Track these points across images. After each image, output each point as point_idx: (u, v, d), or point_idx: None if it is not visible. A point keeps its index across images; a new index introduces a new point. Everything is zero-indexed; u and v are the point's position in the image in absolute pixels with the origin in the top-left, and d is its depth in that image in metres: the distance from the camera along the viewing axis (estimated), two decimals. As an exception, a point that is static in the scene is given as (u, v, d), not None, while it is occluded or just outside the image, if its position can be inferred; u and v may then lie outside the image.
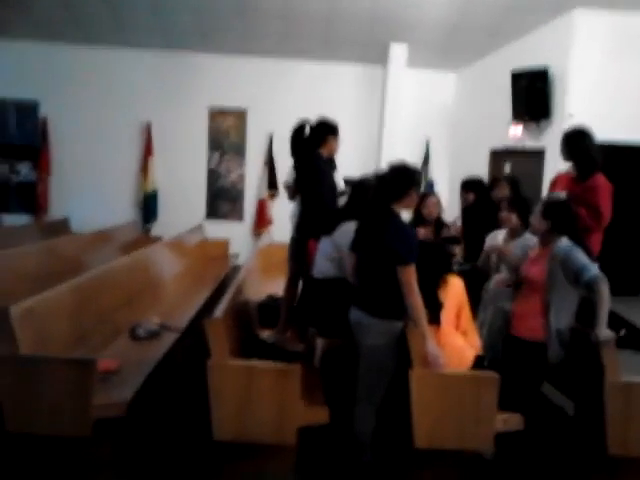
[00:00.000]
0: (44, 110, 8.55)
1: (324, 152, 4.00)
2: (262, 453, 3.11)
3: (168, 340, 4.19)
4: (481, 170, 7.82)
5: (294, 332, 4.12)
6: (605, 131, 7.09)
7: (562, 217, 3.35)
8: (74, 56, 8.54)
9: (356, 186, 3.70)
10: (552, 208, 3.38)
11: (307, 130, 4.03)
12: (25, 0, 7.48)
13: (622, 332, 5.92)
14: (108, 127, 8.66)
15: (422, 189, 7.68)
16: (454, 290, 3.41)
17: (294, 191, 4.23)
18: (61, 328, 3.47)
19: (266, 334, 4.31)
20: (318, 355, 3.62)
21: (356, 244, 3.32)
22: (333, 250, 3.59)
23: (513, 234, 3.87)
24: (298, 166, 4.05)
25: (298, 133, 4.03)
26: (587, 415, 3.23)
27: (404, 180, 3.18)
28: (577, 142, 4.12)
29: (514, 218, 3.85)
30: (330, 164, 4.05)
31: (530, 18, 7.46)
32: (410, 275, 3.04)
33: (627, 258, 7.69)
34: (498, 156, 8.26)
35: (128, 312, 4.55)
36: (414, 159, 8.85)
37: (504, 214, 3.86)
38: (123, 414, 2.95)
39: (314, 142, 3.99)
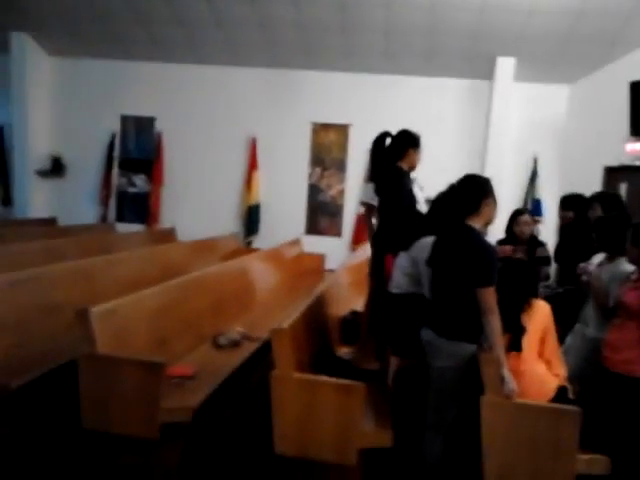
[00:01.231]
0: (159, 126, 9.10)
1: (404, 165, 3.88)
2: (322, 471, 3.05)
3: (248, 350, 4.24)
4: (593, 188, 7.31)
5: (371, 350, 4.03)
6: None
7: None
8: (187, 75, 9.04)
9: (435, 201, 3.58)
10: None
11: (388, 141, 3.93)
12: (144, 23, 8.03)
13: None
14: (216, 141, 9.06)
15: (527, 208, 7.37)
16: (539, 315, 3.18)
17: (369, 210, 4.15)
18: (142, 331, 3.60)
19: (345, 350, 4.26)
20: (391, 375, 3.50)
21: (432, 260, 3.20)
22: (409, 265, 3.49)
23: (611, 258, 3.55)
24: (377, 179, 3.97)
25: (378, 144, 3.95)
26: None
27: (475, 191, 3.03)
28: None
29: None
30: (409, 177, 3.93)
31: (652, 25, 6.92)
32: (490, 297, 2.88)
33: None
34: (613, 174, 7.69)
35: (215, 320, 4.65)
36: (521, 177, 8.49)
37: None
38: (189, 420, 3.01)
39: (394, 154, 3.88)
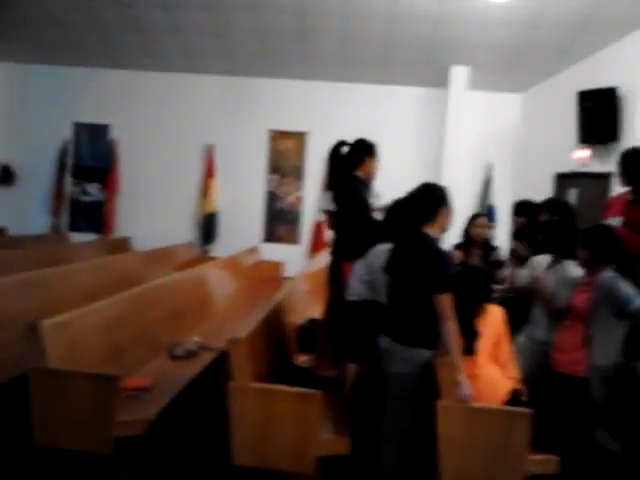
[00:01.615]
0: (114, 133, 8.95)
1: (361, 173, 3.91)
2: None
3: (205, 360, 4.20)
4: (545, 194, 7.50)
5: (329, 357, 4.03)
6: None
7: (603, 245, 3.14)
8: (143, 81, 8.95)
9: (391, 208, 3.62)
10: (591, 237, 3.18)
11: (344, 150, 3.96)
12: (98, 29, 7.90)
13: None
14: (173, 149, 8.96)
15: (478, 212, 7.50)
16: (493, 319, 3.24)
17: (332, 217, 4.17)
18: (96, 344, 3.53)
19: (303, 359, 4.25)
20: (349, 382, 3.52)
21: (389, 267, 3.23)
22: (366, 272, 3.51)
23: (556, 261, 3.65)
24: (334, 187, 3.99)
25: (335, 153, 3.97)
26: (634, 459, 2.96)
27: (430, 199, 3.08)
28: (633, 164, 3.86)
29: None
30: (366, 186, 3.96)
31: (601, 37, 7.16)
32: (446, 303, 2.93)
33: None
34: (563, 180, 7.91)
35: (171, 330, 4.59)
36: (475, 183, 8.65)
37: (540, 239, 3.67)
38: (143, 433, 2.95)
39: (350, 163, 3.91)
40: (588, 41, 7.24)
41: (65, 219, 9.05)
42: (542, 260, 3.78)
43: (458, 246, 4.64)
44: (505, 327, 3.26)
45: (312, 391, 2.95)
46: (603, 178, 7.24)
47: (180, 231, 8.77)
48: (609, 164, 7.15)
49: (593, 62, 7.54)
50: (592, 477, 3.08)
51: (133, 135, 8.94)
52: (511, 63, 7.95)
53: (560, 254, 3.57)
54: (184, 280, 5.37)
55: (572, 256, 3.50)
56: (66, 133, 9.01)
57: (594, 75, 7.36)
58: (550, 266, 3.64)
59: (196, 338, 4.55)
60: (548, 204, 4.26)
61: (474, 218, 4.71)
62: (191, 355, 4.25)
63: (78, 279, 5.35)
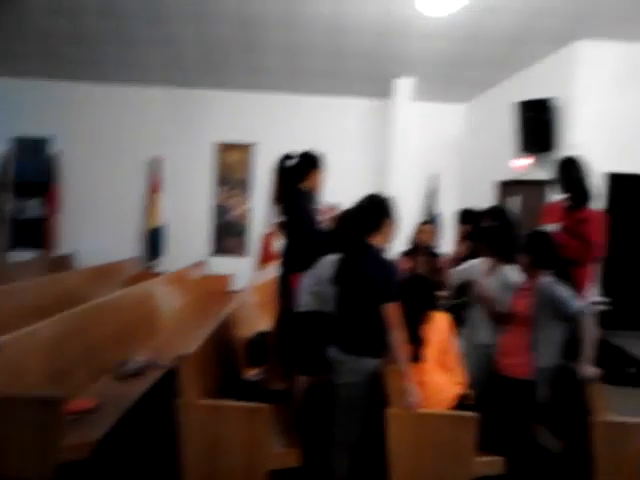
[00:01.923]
0: (57, 147, 8.69)
1: (306, 186, 3.94)
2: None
3: (153, 378, 4.11)
4: (489, 202, 7.70)
5: (279, 370, 4.01)
6: (609, 162, 7.01)
7: (543, 251, 3.25)
8: (86, 93, 8.74)
9: (337, 219, 3.64)
10: (532, 242, 3.29)
11: (290, 163, 3.97)
12: (37, 40, 7.69)
13: (631, 370, 5.72)
14: (118, 163, 8.78)
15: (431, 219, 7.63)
16: (438, 326, 3.30)
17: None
18: (38, 365, 3.41)
19: (252, 373, 4.22)
20: (299, 394, 3.50)
21: (336, 278, 3.24)
22: (314, 283, 3.51)
23: (492, 267, 3.73)
24: (280, 200, 4.00)
25: (281, 166, 3.98)
26: (575, 456, 3.05)
27: (376, 210, 3.12)
28: (569, 170, 4.02)
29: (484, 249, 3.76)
30: (312, 198, 3.98)
31: (535, 49, 7.43)
32: (394, 312, 2.96)
33: (636, 292, 7.46)
34: (505, 188, 8.15)
35: (117, 348, 4.49)
36: (421, 192, 8.80)
37: (477, 245, 3.77)
38: (87, 456, 2.86)
39: (296, 176, 3.92)
40: (524, 54, 7.51)
41: (4, 237, 8.71)
42: (477, 263, 3.85)
43: (405, 253, 4.71)
44: (451, 333, 3.32)
45: (261, 405, 2.93)
46: (542, 185, 7.49)
47: (125, 246, 8.58)
48: (547, 171, 7.41)
49: (530, 74, 7.82)
50: (536, 476, 3.15)
51: (76, 149, 8.71)
52: (453, 75, 8.16)
53: (499, 259, 3.66)
54: (130, 297, 5.26)
55: (511, 261, 3.60)
56: (4, 148, 8.71)
57: (532, 86, 7.63)
58: (489, 271, 3.72)
59: (143, 356, 4.45)
60: (490, 211, 4.37)
61: (420, 225, 4.81)
62: (138, 373, 4.16)
63: (19, 299, 5.18)
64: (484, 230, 3.80)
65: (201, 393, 3.01)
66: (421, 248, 4.65)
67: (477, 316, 3.64)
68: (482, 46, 7.39)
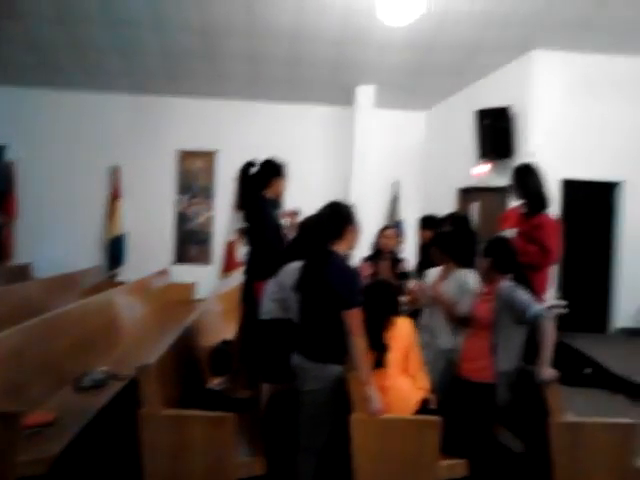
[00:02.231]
0: (12, 155, 8.48)
1: (269, 193, 3.96)
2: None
3: (113, 390, 4.04)
4: (449, 208, 7.83)
5: (244, 378, 4.00)
6: (565, 168, 7.22)
7: (503, 255, 3.32)
8: (43, 100, 8.57)
9: (300, 226, 3.66)
10: (492, 247, 3.36)
11: (253, 171, 3.98)
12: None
13: (587, 371, 5.86)
14: (77, 170, 8.64)
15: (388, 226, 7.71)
16: (402, 332, 3.33)
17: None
18: (-7, 379, 3.32)
19: (216, 382, 4.19)
20: (263, 402, 3.49)
21: (299, 285, 3.25)
22: (277, 290, 3.52)
23: (447, 272, 3.80)
24: (243, 208, 4.00)
25: (243, 173, 3.99)
26: (535, 456, 3.12)
27: (338, 218, 3.14)
28: (525, 177, 4.12)
29: (437, 254, 3.83)
30: (274, 205, 4.00)
31: (492, 59, 7.61)
32: (356, 318, 2.98)
33: (592, 294, 7.68)
34: (465, 194, 8.30)
35: (77, 360, 4.37)
36: (384, 199, 8.89)
37: (432, 250, 3.84)
38: (45, 472, 2.80)
39: (259, 183, 3.94)
40: (482, 63, 7.67)
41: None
42: (435, 272, 3.92)
43: (367, 259, 4.75)
44: (414, 339, 3.36)
45: (225, 414, 2.91)
46: (501, 192, 7.65)
47: (86, 255, 8.44)
48: (506, 178, 7.57)
49: (488, 82, 8.00)
50: (498, 477, 3.21)
51: (33, 156, 8.52)
52: (413, 83, 8.28)
53: (455, 263, 3.72)
54: (90, 307, 5.15)
55: (467, 266, 3.66)
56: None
57: (490, 95, 7.81)
58: (444, 276, 3.77)
59: (104, 367, 4.37)
60: (450, 218, 4.45)
61: (382, 230, 4.88)
62: (99, 385, 4.08)
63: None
64: (441, 236, 3.86)
65: (163, 403, 2.97)
66: (384, 253, 4.70)
67: (436, 321, 3.69)
68: (440, 55, 7.53)
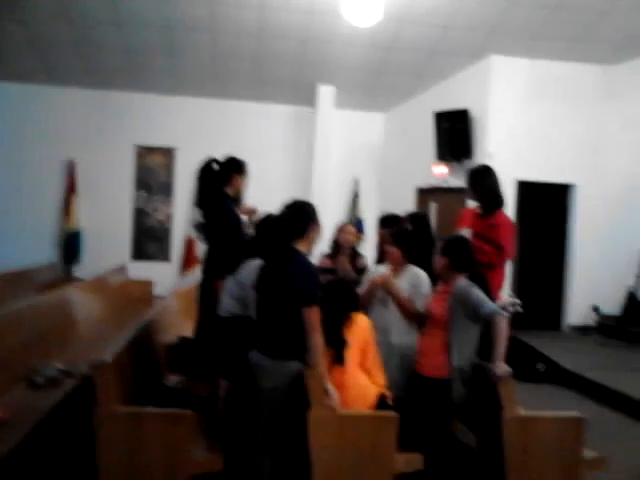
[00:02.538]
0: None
1: (230, 191, 3.95)
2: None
3: (67, 387, 3.97)
4: (408, 208, 7.91)
5: (202, 375, 3.97)
6: (520, 170, 7.41)
7: (460, 254, 3.39)
8: (-5, 92, 8.32)
9: (260, 224, 3.65)
10: (450, 245, 3.43)
11: (213, 167, 3.96)
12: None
13: (540, 367, 6.04)
14: (29, 165, 8.42)
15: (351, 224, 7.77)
16: (359, 328, 3.36)
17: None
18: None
19: (174, 378, 4.15)
20: (221, 398, 3.48)
21: (259, 282, 3.25)
22: (237, 288, 3.51)
23: (396, 269, 3.83)
24: (202, 205, 3.98)
25: (204, 170, 3.97)
26: (489, 451, 3.20)
27: (301, 217, 3.16)
28: (481, 179, 4.22)
29: (395, 251, 3.80)
30: (235, 203, 3.99)
31: (451, 62, 7.75)
32: (314, 315, 3.00)
33: (545, 292, 7.90)
34: (424, 194, 8.43)
35: (30, 357, 4.27)
36: (344, 197, 8.95)
37: (387, 248, 3.84)
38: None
39: (220, 180, 3.92)
40: (441, 65, 7.80)
41: None
42: (377, 269, 3.98)
43: (327, 255, 4.76)
44: (371, 335, 3.40)
45: (182, 411, 2.90)
46: (459, 192, 7.79)
47: (39, 251, 8.22)
48: (464, 179, 7.71)
49: (447, 85, 8.14)
50: (453, 471, 3.29)
51: (-17, 150, 8.28)
52: (373, 84, 8.36)
53: (409, 262, 3.78)
54: (45, 304, 5.04)
55: (423, 265, 3.73)
56: None
57: (448, 97, 7.95)
58: (397, 273, 3.81)
59: (58, 364, 4.28)
60: (410, 217, 4.51)
61: (342, 226, 4.89)
62: (52, 382, 4.00)
63: None
64: (400, 234, 3.90)
65: (120, 400, 2.94)
66: (343, 248, 4.72)
67: (389, 318, 3.73)
68: (401, 56, 7.63)
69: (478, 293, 3.27)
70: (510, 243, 4.07)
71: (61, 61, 7.83)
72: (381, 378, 3.37)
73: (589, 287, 7.74)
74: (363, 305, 3.75)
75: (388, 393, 3.33)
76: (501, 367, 3.06)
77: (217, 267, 3.81)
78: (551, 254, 7.91)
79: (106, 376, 2.87)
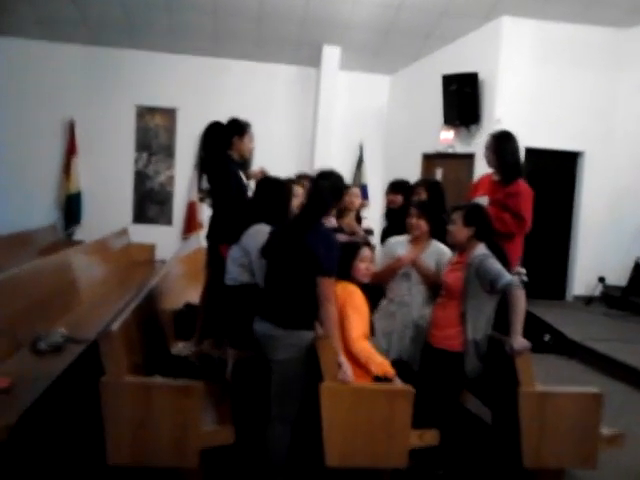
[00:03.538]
0: (-42, 107, 8.01)
1: (234, 154, 3.83)
2: (160, 478, 2.90)
3: (72, 354, 3.90)
4: (414, 174, 7.77)
5: (212, 343, 3.91)
6: (530, 136, 7.22)
7: (485, 223, 3.28)
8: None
9: (260, 185, 3.51)
10: (475, 214, 3.30)
11: (217, 130, 3.84)
12: None
13: (546, 337, 6.00)
14: (28, 124, 8.21)
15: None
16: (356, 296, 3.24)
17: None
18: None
19: (180, 346, 4.09)
20: (229, 368, 3.41)
21: (269, 250, 3.14)
22: (242, 255, 3.40)
23: (419, 243, 3.66)
24: (206, 169, 3.86)
25: (208, 134, 3.84)
26: (504, 426, 3.15)
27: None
28: (504, 144, 4.05)
29: (423, 225, 3.58)
30: (241, 166, 3.87)
31: (461, 23, 7.51)
32: (330, 287, 2.91)
33: (551, 262, 7.83)
34: (430, 160, 8.27)
35: (33, 322, 4.20)
36: (348, 162, 8.78)
37: (413, 220, 3.60)
38: (3, 439, 2.67)
39: (223, 144, 3.80)
40: (449, 27, 7.56)
41: None
42: (396, 241, 3.83)
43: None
44: (365, 305, 3.24)
45: (192, 383, 2.83)
46: (466, 158, 7.65)
47: (40, 213, 8.11)
48: (472, 145, 7.57)
49: (456, 48, 7.91)
50: (468, 445, 3.24)
51: (-21, 109, 8.06)
52: (380, 45, 8.12)
53: (432, 234, 3.64)
54: (46, 266, 4.95)
55: (438, 235, 3.60)
56: None
57: (457, 60, 7.72)
58: (420, 246, 3.67)
59: (62, 330, 4.21)
60: (424, 184, 4.37)
61: (347, 188, 4.75)
62: (57, 349, 3.93)
63: None
64: (423, 205, 3.72)
65: (127, 370, 2.86)
66: (348, 211, 4.62)
67: (413, 291, 3.61)
68: (410, 16, 7.38)
69: (494, 264, 3.17)
70: (529, 212, 3.94)
71: (57, 15, 7.55)
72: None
73: (595, 257, 7.67)
74: (385, 280, 3.65)
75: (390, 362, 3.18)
76: (519, 341, 2.97)
77: (221, 232, 3.71)
78: (558, 223, 7.80)
79: (113, 346, 2.78)
